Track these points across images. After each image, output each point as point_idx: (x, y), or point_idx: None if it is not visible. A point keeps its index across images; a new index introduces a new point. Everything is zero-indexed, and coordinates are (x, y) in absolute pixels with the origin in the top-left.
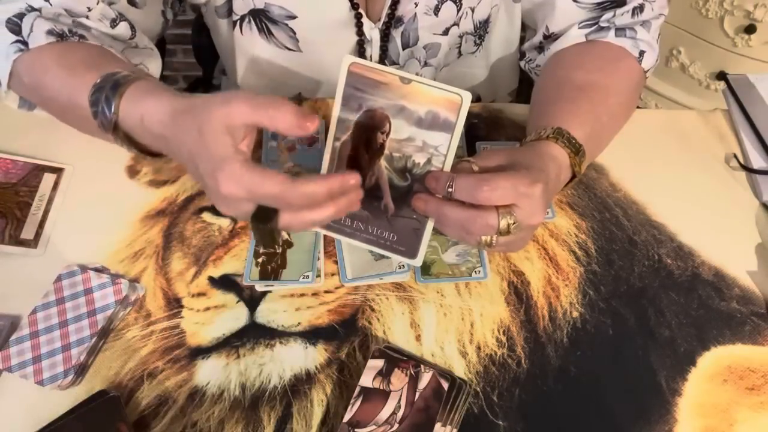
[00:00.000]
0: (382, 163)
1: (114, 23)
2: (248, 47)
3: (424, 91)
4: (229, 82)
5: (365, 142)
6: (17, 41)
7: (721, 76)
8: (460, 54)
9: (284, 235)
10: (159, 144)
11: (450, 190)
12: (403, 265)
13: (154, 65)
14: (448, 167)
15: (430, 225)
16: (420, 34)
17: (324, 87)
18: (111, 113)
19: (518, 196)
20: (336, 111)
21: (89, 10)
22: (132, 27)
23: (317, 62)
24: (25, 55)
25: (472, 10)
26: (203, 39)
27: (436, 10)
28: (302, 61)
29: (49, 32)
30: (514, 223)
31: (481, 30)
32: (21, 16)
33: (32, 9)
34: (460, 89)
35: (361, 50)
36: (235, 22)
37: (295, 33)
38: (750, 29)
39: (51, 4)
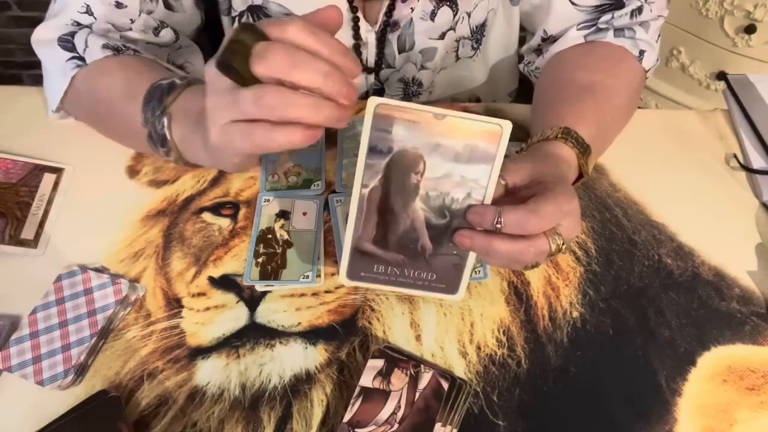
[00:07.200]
0: (418, 204)
1: (157, 31)
2: None
3: (460, 126)
4: None
5: (398, 186)
6: (73, 58)
7: (721, 76)
8: (457, 58)
9: (284, 234)
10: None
11: (498, 226)
12: None
13: (198, 60)
14: (488, 200)
15: (471, 258)
16: (416, 39)
17: None
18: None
19: (563, 215)
20: (362, 157)
21: (132, 22)
22: (174, 31)
23: None
24: (83, 70)
25: (469, 15)
26: (203, 39)
27: (433, 15)
28: None
29: (105, 46)
30: (563, 243)
31: (478, 34)
32: (72, 34)
33: (79, 25)
34: (500, 119)
35: (357, 53)
36: (234, 19)
37: None
38: (750, 29)
39: (96, 19)
